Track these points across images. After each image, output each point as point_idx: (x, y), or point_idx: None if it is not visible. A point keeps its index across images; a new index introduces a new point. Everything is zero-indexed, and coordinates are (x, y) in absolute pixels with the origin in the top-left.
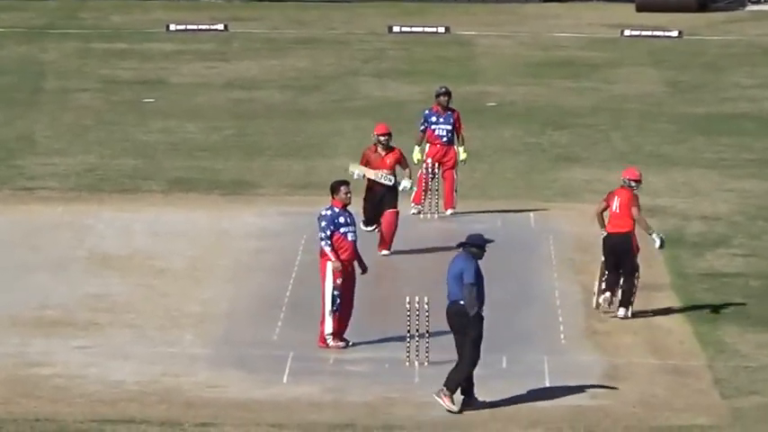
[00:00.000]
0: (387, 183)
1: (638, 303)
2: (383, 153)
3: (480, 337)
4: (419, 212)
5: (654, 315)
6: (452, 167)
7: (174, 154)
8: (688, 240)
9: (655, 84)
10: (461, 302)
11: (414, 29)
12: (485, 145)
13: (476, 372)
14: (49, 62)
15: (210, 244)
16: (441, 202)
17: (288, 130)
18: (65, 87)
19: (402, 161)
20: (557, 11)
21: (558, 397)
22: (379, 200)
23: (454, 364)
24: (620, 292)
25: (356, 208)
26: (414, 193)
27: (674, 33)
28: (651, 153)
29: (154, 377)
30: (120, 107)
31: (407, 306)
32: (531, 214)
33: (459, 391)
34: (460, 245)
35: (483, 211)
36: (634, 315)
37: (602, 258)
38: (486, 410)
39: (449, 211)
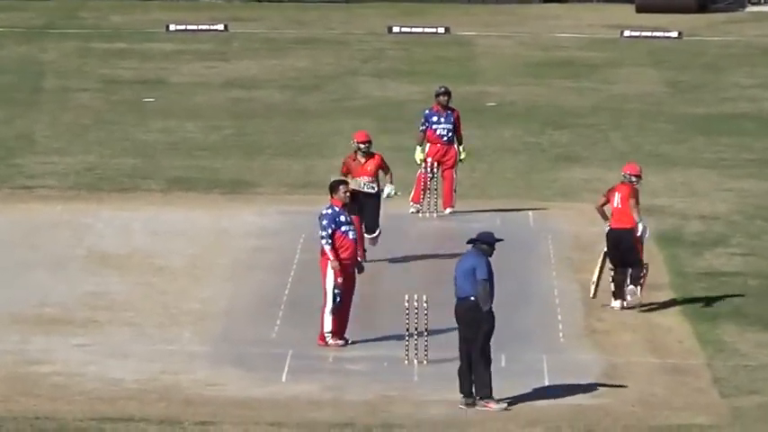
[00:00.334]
0: (370, 191)
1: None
2: (363, 160)
3: (492, 330)
4: (418, 211)
5: (653, 314)
6: (452, 167)
7: (174, 153)
8: (687, 240)
9: (654, 84)
10: (472, 298)
11: (413, 29)
12: (484, 145)
13: None
14: (49, 62)
15: (210, 243)
16: (440, 202)
17: (287, 130)
18: (64, 87)
19: (383, 166)
20: (557, 11)
21: (557, 396)
22: (360, 209)
23: (461, 365)
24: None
25: None
26: (413, 192)
27: (674, 34)
28: (650, 153)
29: (153, 375)
30: (119, 107)
31: (406, 304)
32: (530, 213)
33: (459, 388)
34: (471, 242)
35: (482, 211)
36: (634, 314)
37: (605, 249)
38: (486, 409)
39: (448, 211)
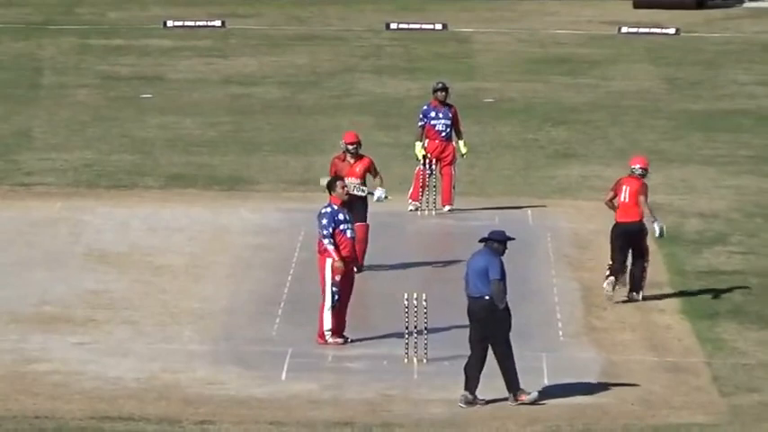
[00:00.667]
0: (359, 194)
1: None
2: (352, 161)
3: (511, 327)
4: (416, 209)
5: (652, 312)
6: (450, 163)
7: (172, 150)
8: (686, 238)
9: (652, 80)
10: (487, 297)
11: (411, 26)
12: (482, 141)
13: None
14: (47, 58)
15: (208, 240)
16: (438, 199)
17: (285, 127)
18: (62, 83)
19: (372, 169)
20: (554, 8)
21: (556, 394)
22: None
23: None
24: (628, 277)
25: None
26: (411, 190)
27: (672, 30)
28: (648, 149)
29: (152, 374)
30: (117, 103)
31: (405, 303)
32: (529, 211)
33: (463, 385)
34: (483, 240)
35: (481, 208)
36: (632, 313)
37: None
38: (485, 408)
39: (446, 208)
